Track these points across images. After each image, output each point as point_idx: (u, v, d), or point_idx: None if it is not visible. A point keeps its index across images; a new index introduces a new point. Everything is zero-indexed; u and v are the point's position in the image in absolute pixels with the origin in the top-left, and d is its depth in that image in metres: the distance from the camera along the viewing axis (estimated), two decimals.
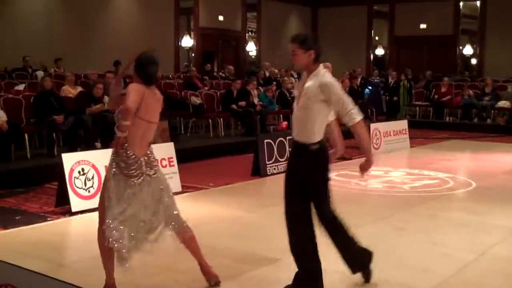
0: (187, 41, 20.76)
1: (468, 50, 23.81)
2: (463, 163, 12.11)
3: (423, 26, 23.36)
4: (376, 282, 4.59)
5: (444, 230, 6.50)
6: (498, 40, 21.52)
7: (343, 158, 10.64)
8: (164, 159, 8.11)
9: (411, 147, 13.55)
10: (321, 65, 4.20)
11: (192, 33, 20.95)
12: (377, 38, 25.33)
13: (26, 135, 9.73)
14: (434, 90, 18.94)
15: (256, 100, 14.04)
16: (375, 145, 11.95)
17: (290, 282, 4.39)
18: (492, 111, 17.68)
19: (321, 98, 4.07)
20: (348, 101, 4.08)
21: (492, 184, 9.23)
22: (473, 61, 23.84)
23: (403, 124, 13.81)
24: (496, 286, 4.85)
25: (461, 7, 23.01)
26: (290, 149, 4.19)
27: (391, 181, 9.14)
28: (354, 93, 17.49)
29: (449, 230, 6.50)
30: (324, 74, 4.14)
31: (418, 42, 23.41)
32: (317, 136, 4.17)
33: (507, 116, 17.51)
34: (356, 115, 4.06)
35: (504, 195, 8.37)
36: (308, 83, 4.12)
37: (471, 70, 23.67)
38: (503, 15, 21.14)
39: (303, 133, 4.19)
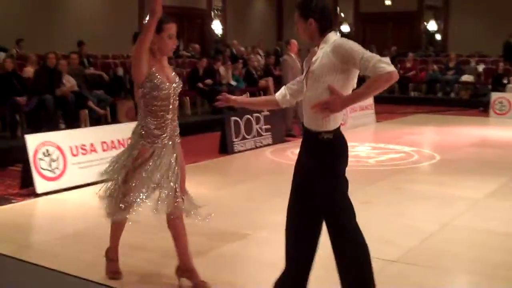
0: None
1: (432, 25, 24.03)
2: (428, 137, 12.29)
3: (388, 2, 23.46)
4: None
5: (408, 202, 6.61)
6: (462, 15, 21.72)
7: None
8: (130, 138, 8.04)
9: (377, 122, 13.70)
10: (332, 33, 3.44)
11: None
12: (342, 15, 25.37)
13: None
14: (399, 65, 19.10)
15: (225, 80, 14.04)
16: (342, 121, 12.01)
17: (260, 256, 4.40)
18: (456, 85, 17.94)
19: (336, 67, 3.28)
20: (372, 55, 3.20)
21: (455, 157, 9.40)
22: (438, 36, 24.07)
23: (368, 99, 13.92)
24: (457, 254, 4.96)
25: None
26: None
27: (357, 155, 9.22)
28: None
29: (414, 202, 6.61)
30: (336, 39, 3.36)
31: (383, 18, 23.50)
32: (332, 122, 3.37)
33: (470, 90, 17.79)
34: (384, 67, 3.14)
35: (467, 167, 8.54)
36: (317, 56, 3.39)
37: (436, 46, 23.90)
38: None
39: (315, 119, 3.37)
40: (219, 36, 23.46)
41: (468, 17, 21.31)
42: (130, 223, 4.21)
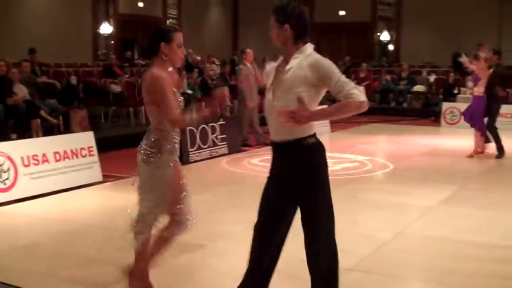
0: (106, 28, 20.29)
1: (385, 36, 24.46)
2: (381, 146, 12.48)
3: (342, 13, 23.76)
4: (295, 261, 4.67)
5: (363, 211, 6.68)
6: (414, 26, 22.16)
7: (265, 144, 10.73)
8: (83, 148, 7.96)
9: (331, 131, 13.83)
10: (308, 44, 3.42)
11: (111, 20, 20.51)
12: None
13: None
14: (353, 75, 19.36)
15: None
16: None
17: (218, 266, 4.36)
18: (408, 95, 18.29)
19: (309, 82, 3.25)
20: (348, 80, 3.23)
21: (408, 166, 9.56)
22: (390, 47, 24.49)
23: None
24: (411, 262, 5.04)
25: None
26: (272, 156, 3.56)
27: None
28: None
29: (368, 210, 6.69)
30: (312, 53, 3.36)
31: (338, 29, 23.78)
32: (310, 126, 3.35)
33: (422, 99, 18.16)
34: (358, 95, 3.18)
35: (419, 176, 8.69)
36: (291, 65, 3.32)
37: (388, 56, 24.33)
38: (418, 2, 21.76)
39: (288, 128, 3.27)
40: None
41: (420, 28, 21.75)
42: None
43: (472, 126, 10.29)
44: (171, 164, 3.89)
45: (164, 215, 3.94)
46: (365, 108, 3.20)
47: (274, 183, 3.49)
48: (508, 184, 8.32)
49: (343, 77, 3.22)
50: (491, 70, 10.00)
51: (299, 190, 3.37)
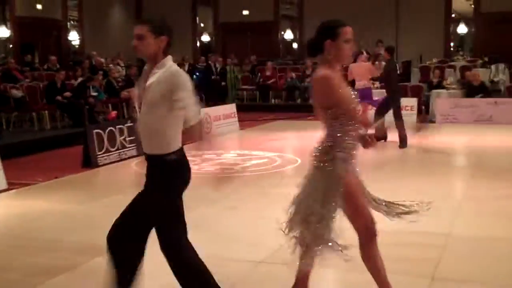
0: (3, 32, 19.54)
1: (289, 34, 24.93)
2: (289, 142, 12.74)
3: (245, 12, 24.01)
4: (210, 258, 4.72)
5: (274, 205, 6.75)
6: (316, 24, 22.43)
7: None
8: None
9: (240, 129, 13.98)
10: (169, 57, 3.45)
11: (8, 23, 19.76)
12: (202, 25, 25.62)
13: None
14: (259, 74, 19.65)
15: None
16: (206, 129, 12.15)
17: None
18: None
19: (168, 96, 3.28)
20: (192, 99, 3.33)
21: None
22: (294, 45, 24.99)
23: (231, 108, 14.19)
24: None
25: None
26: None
27: (223, 163, 9.37)
28: None
29: (279, 205, 6.73)
30: (173, 65, 3.41)
31: (242, 28, 24.02)
32: (173, 144, 3.39)
33: None
34: (197, 113, 3.36)
35: None
36: (154, 77, 3.35)
37: (293, 54, 24.81)
38: (319, 0, 22.30)
39: (154, 143, 3.39)
40: (77, 47, 22.84)
41: None
42: None
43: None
44: (347, 173, 3.53)
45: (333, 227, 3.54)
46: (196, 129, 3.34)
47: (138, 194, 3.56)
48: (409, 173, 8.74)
49: (191, 96, 3.30)
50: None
51: (150, 199, 3.47)
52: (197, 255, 3.53)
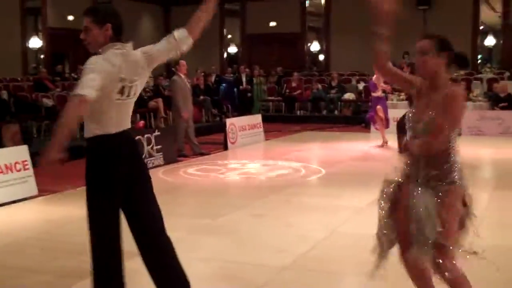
0: (35, 42, 20.00)
1: (315, 46, 25.05)
2: (314, 153, 12.82)
3: (272, 24, 24.21)
4: (235, 264, 4.84)
5: (298, 213, 6.93)
6: (342, 36, 22.79)
7: (200, 154, 10.97)
8: (18, 162, 7.89)
9: (265, 140, 14.10)
10: (114, 44, 3.37)
11: (40, 33, 20.23)
12: (229, 36, 25.88)
13: None
14: (285, 85, 19.79)
15: None
16: (231, 140, 12.30)
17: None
18: (339, 103, 18.82)
19: None
20: (84, 81, 3.10)
21: (339, 170, 9.91)
22: (320, 56, 25.09)
23: (257, 118, 14.33)
24: (344, 257, 5.30)
25: (307, 5, 24.09)
26: None
27: (248, 172, 9.50)
28: (209, 91, 17.87)
29: (303, 213, 6.94)
30: (112, 50, 3.31)
31: (269, 40, 24.20)
32: (95, 127, 3.37)
33: (352, 107, 18.75)
34: (76, 91, 3.10)
35: (350, 179, 9.05)
36: None
37: (319, 65, 24.89)
38: (345, 13, 22.40)
39: (86, 125, 3.41)
40: None
41: (348, 38, 22.35)
42: None
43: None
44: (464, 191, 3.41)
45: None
46: (83, 102, 3.06)
47: None
48: None
49: (86, 78, 3.10)
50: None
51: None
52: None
